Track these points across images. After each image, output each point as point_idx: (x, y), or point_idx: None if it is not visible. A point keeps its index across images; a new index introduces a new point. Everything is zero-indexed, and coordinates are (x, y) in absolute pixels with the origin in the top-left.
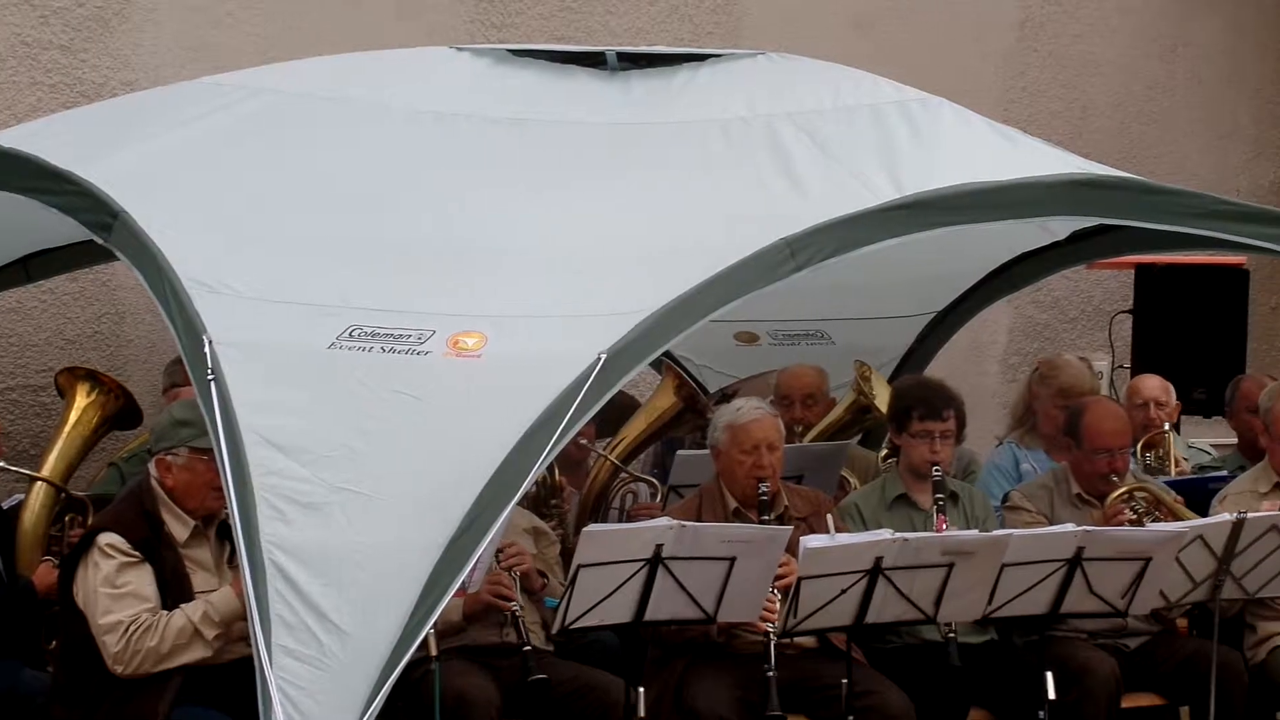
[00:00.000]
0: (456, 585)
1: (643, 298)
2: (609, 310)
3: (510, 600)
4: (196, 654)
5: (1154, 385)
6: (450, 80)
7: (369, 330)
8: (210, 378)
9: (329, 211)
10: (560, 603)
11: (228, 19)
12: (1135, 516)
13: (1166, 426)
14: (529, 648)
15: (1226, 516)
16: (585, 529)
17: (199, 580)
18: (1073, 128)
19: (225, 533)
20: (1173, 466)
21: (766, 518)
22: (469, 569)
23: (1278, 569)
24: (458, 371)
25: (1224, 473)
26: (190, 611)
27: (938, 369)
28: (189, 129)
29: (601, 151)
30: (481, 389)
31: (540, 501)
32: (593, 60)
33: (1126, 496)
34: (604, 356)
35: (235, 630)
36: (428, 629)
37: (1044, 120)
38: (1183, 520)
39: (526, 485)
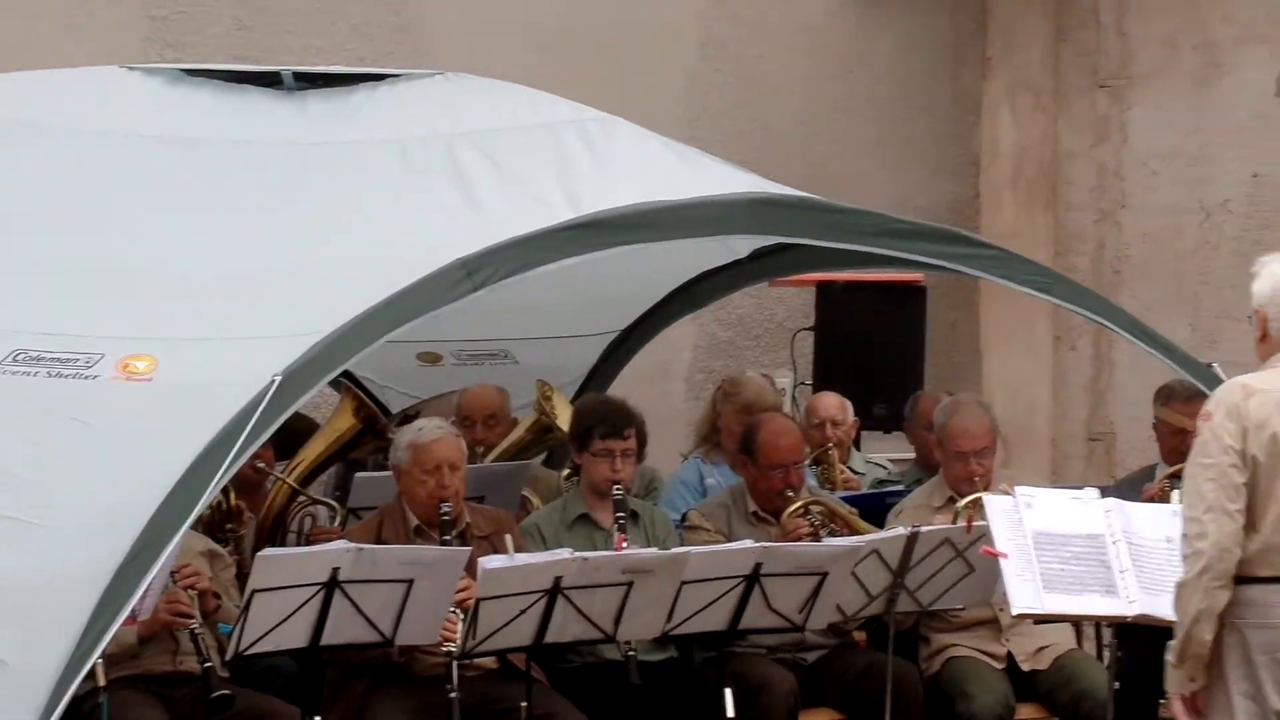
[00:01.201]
0: (126, 612)
1: (319, 319)
2: (284, 332)
3: (190, 617)
4: None
5: (830, 403)
6: (122, 101)
7: (34, 354)
8: None
9: None
10: (234, 628)
11: None
12: (812, 529)
13: (831, 445)
14: (209, 664)
15: (901, 530)
16: (260, 553)
17: None
18: (755, 147)
19: None
20: (838, 482)
21: (448, 537)
22: (139, 595)
23: (951, 582)
24: (128, 395)
25: (901, 487)
26: None
27: (621, 388)
28: None
29: (277, 172)
30: (153, 413)
31: (216, 525)
32: (269, 80)
33: (802, 510)
34: (278, 378)
35: None
36: (95, 658)
37: (727, 140)
38: (858, 532)
39: (199, 509)
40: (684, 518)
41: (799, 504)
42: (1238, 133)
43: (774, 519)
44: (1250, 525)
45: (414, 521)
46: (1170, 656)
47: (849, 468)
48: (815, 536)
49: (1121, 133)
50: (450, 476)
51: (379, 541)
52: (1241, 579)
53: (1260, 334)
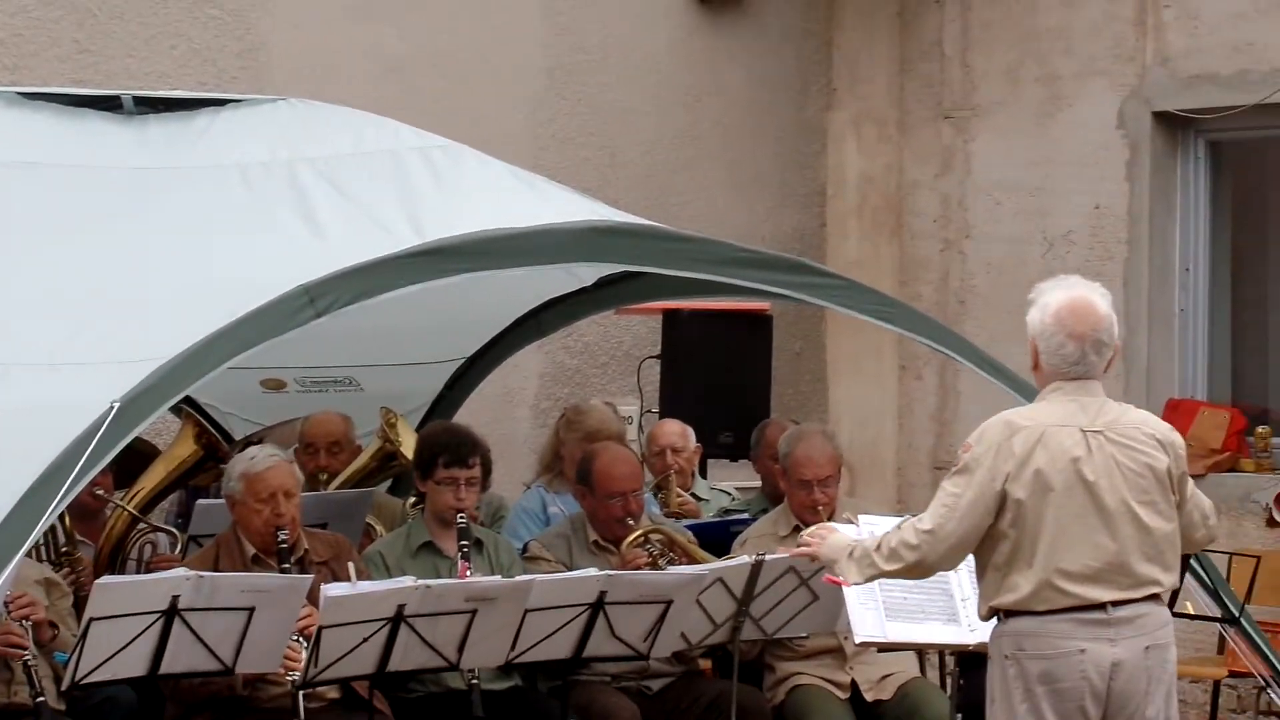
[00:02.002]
0: None
1: (159, 345)
2: (124, 358)
3: (23, 650)
4: None
5: (671, 431)
6: None
7: None
8: None
9: None
10: (71, 656)
11: None
12: (651, 559)
13: (673, 472)
14: (41, 699)
15: (746, 559)
16: (98, 581)
17: None
18: (602, 175)
19: None
20: (674, 506)
21: (286, 564)
22: None
23: (795, 610)
24: None
25: (746, 515)
26: None
27: (467, 415)
28: None
29: (117, 196)
30: None
31: (54, 553)
32: (109, 104)
33: (642, 539)
34: (116, 405)
35: None
36: None
37: (574, 167)
38: (697, 561)
39: (34, 537)
40: (525, 548)
41: (638, 533)
42: (1080, 164)
43: (615, 548)
44: (1024, 562)
45: (251, 551)
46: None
47: (694, 494)
48: (655, 565)
49: (965, 163)
50: (285, 504)
51: (215, 571)
52: (1016, 612)
53: (1033, 364)
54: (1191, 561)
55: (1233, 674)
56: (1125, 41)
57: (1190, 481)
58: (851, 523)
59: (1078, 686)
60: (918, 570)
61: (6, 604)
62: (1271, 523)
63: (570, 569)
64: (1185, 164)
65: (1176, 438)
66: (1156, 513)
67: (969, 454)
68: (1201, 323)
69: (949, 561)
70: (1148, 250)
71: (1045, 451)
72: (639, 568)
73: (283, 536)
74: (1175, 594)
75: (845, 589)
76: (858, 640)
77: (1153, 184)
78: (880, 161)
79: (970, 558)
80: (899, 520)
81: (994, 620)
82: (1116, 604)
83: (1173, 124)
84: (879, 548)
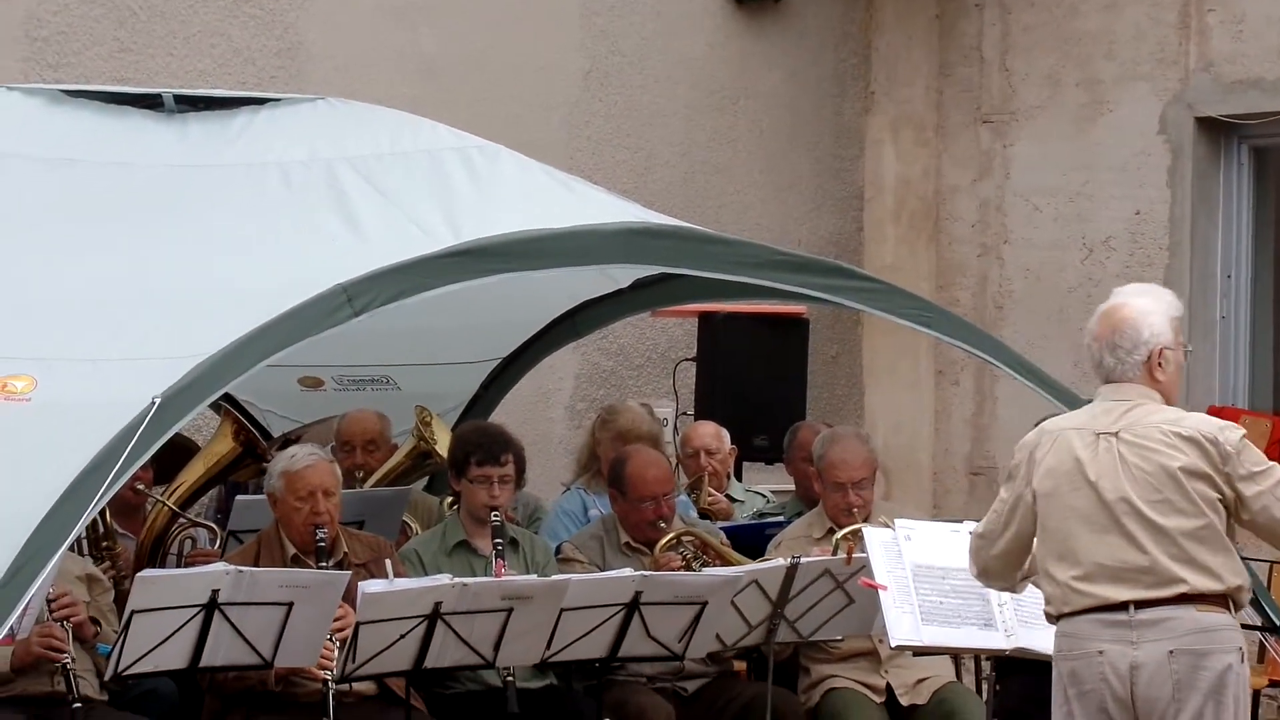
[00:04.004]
0: (4, 632)
1: (199, 342)
2: (165, 354)
3: (63, 652)
4: None
5: (706, 433)
6: (1, 121)
7: None
8: None
9: None
10: (113, 649)
11: None
12: (684, 562)
13: (707, 473)
14: (78, 705)
15: (781, 561)
16: (140, 574)
17: None
18: (638, 177)
19: None
20: (705, 505)
21: (325, 564)
22: (17, 615)
23: (830, 613)
24: (6, 415)
25: (781, 518)
26: None
27: (503, 415)
28: None
29: (157, 193)
30: (31, 433)
31: (94, 547)
32: (149, 102)
33: (674, 542)
34: (158, 400)
35: None
36: None
37: (609, 169)
38: (730, 563)
39: (76, 532)
40: (558, 550)
41: (671, 536)
42: (1121, 170)
43: (647, 549)
44: (1050, 564)
45: (291, 550)
46: None
47: (728, 496)
48: (688, 568)
49: (1004, 168)
50: (324, 502)
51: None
52: (1060, 615)
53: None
54: None
55: (1273, 683)
56: (1168, 45)
57: (1266, 478)
58: (888, 526)
59: (1098, 689)
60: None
61: (49, 602)
62: None
63: (603, 570)
64: (1228, 170)
65: (1224, 434)
66: (1175, 511)
67: (1012, 460)
68: (1243, 330)
69: (1002, 564)
70: (1189, 257)
71: (1055, 454)
72: (673, 570)
73: (321, 535)
74: (1228, 597)
75: (881, 592)
76: (893, 644)
77: (1195, 190)
78: (918, 166)
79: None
80: (936, 525)
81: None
82: (1141, 605)
83: (1215, 129)
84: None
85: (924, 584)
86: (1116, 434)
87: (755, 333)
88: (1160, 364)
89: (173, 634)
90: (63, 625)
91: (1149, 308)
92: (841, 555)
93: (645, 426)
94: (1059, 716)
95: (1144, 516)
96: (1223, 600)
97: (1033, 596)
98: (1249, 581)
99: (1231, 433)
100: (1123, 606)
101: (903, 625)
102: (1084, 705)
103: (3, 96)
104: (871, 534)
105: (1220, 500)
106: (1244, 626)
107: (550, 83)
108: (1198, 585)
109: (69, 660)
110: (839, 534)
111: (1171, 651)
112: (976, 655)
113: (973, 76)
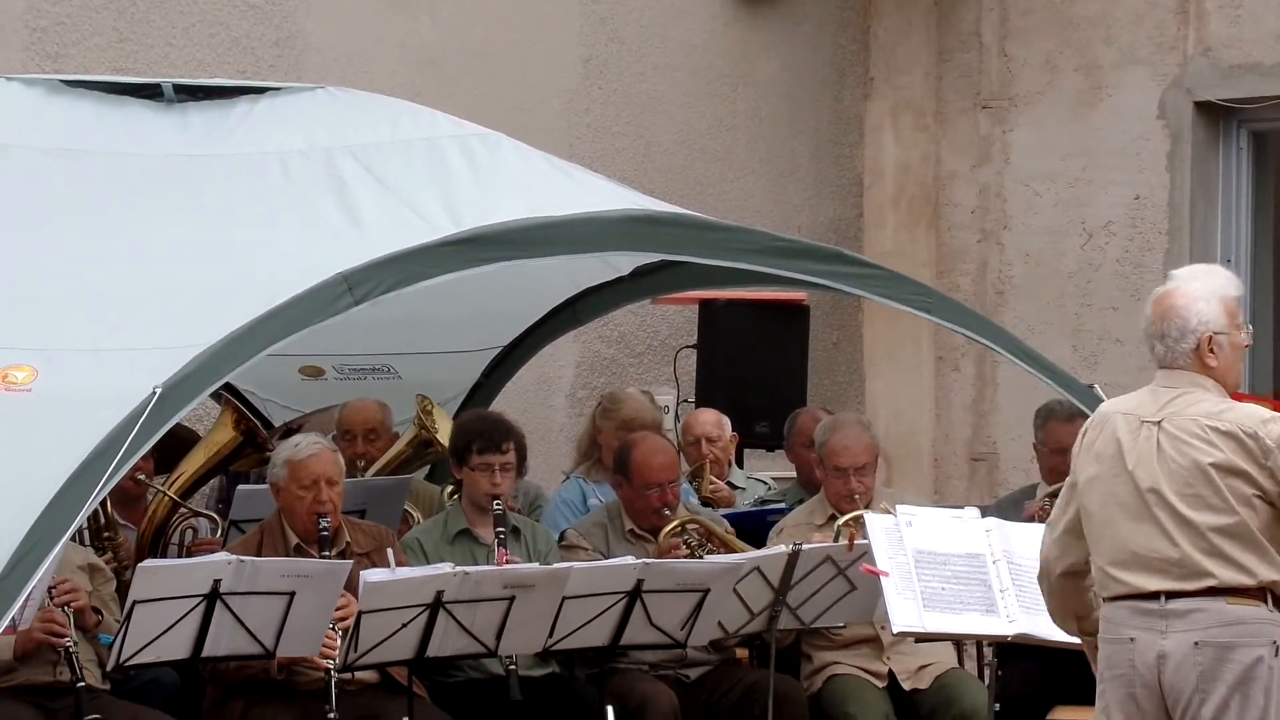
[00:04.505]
0: (5, 622)
1: (199, 331)
2: (165, 344)
3: (64, 637)
4: None
5: (706, 421)
6: (0, 111)
7: None
8: None
9: None
10: (115, 639)
11: None
12: (689, 550)
13: (708, 461)
14: (82, 684)
15: (782, 548)
16: (141, 564)
17: None
18: (637, 165)
19: None
20: (706, 492)
21: (327, 553)
22: (19, 605)
23: (832, 600)
24: (6, 405)
25: (783, 504)
26: None
27: (503, 404)
28: None
29: (157, 183)
30: (32, 423)
31: (95, 537)
32: (149, 91)
33: (679, 530)
34: (159, 390)
35: None
36: None
37: (609, 157)
38: (734, 551)
39: (78, 522)
40: (562, 536)
41: (675, 523)
42: (1120, 155)
43: (652, 537)
44: (1093, 549)
45: (293, 540)
46: None
47: (729, 483)
48: (692, 555)
49: (1003, 154)
50: (328, 491)
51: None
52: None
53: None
54: None
55: None
56: (1166, 30)
57: None
58: (889, 513)
59: (1126, 674)
60: (1041, 572)
61: (50, 590)
62: None
63: (607, 557)
64: (1227, 154)
65: (1266, 428)
66: (1205, 506)
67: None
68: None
69: (1061, 548)
70: (1188, 241)
71: (1102, 439)
72: (677, 558)
73: (324, 524)
74: (1267, 590)
75: (883, 579)
76: (896, 630)
77: (1194, 174)
78: (917, 152)
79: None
80: (937, 511)
81: None
82: (1172, 595)
83: (1214, 114)
84: None
85: (926, 570)
86: (1159, 423)
87: (756, 320)
88: (1213, 350)
89: (175, 624)
90: (64, 610)
91: (1198, 293)
92: (843, 542)
93: (649, 415)
94: (1098, 695)
95: (1173, 509)
96: (1259, 594)
97: (1033, 582)
98: None
99: (1275, 425)
100: (1154, 596)
101: (905, 611)
102: (1114, 688)
103: (2, 87)
104: (873, 520)
105: (1259, 496)
106: None
107: (550, 71)
108: (1226, 579)
109: (71, 645)
110: (840, 520)
111: (1197, 643)
112: (978, 641)
113: (972, 62)
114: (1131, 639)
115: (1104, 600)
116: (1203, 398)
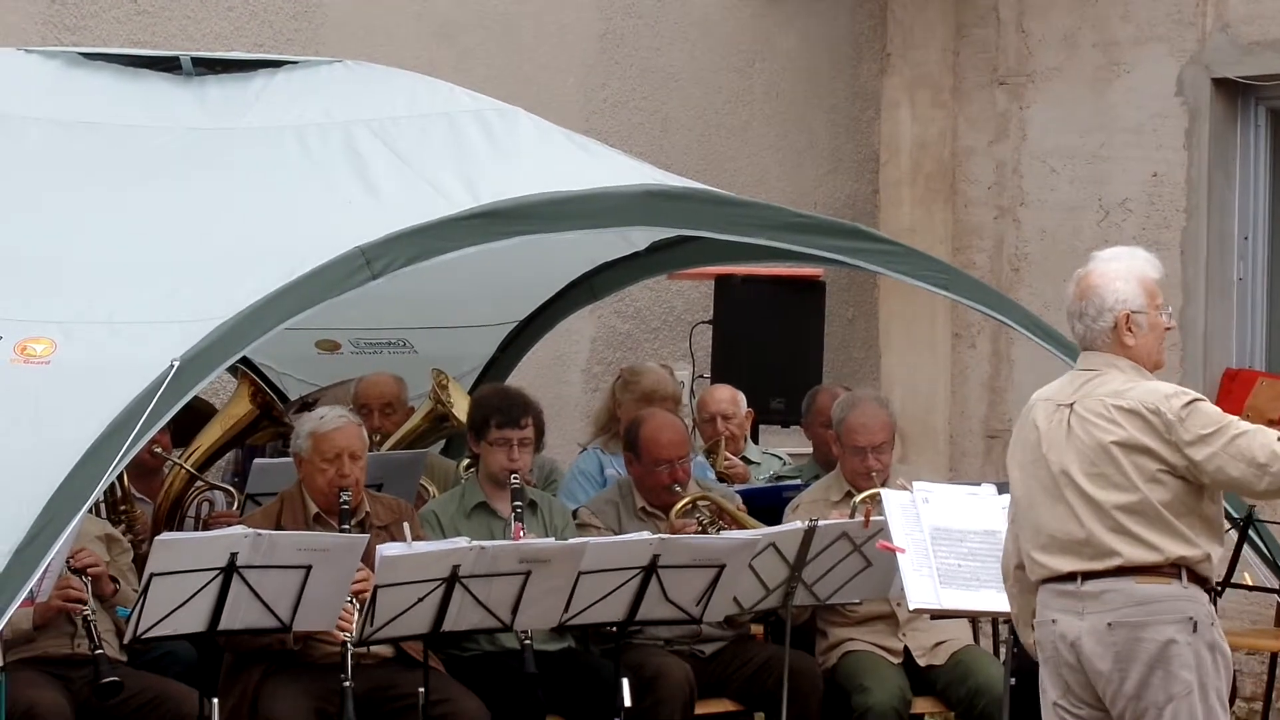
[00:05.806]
0: (24, 594)
1: (217, 304)
2: (183, 317)
3: (83, 603)
4: None
5: (721, 397)
6: (19, 83)
7: None
8: None
9: None
10: (132, 611)
11: None
12: (700, 527)
13: (724, 437)
14: (100, 650)
15: (798, 524)
16: (158, 537)
17: None
18: (654, 139)
19: None
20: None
21: (347, 526)
22: (37, 577)
23: (848, 576)
24: (26, 377)
25: (799, 481)
26: None
27: (519, 379)
28: None
29: (175, 156)
30: (51, 395)
31: (112, 510)
32: (167, 65)
33: (690, 507)
34: (176, 363)
35: None
36: None
37: (626, 132)
38: (746, 527)
39: (96, 494)
40: (574, 515)
41: (686, 500)
42: (1137, 132)
43: (663, 514)
44: (1033, 529)
45: (313, 509)
46: None
47: (744, 458)
48: (704, 532)
49: (1020, 130)
50: (350, 465)
51: (278, 528)
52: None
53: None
54: (1250, 532)
55: None
56: (1184, 6)
57: (1217, 438)
58: (905, 489)
59: (1053, 657)
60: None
61: (68, 560)
62: None
63: (619, 535)
64: (1245, 131)
65: (1168, 402)
66: (1110, 485)
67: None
68: (1260, 292)
69: (1011, 543)
70: (1206, 218)
71: (1023, 426)
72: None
73: (345, 498)
74: (1180, 568)
75: (899, 555)
76: (911, 607)
77: (1212, 151)
78: (934, 128)
79: None
80: (954, 488)
81: None
82: (1087, 576)
83: (1232, 91)
84: None
85: (942, 547)
86: (1071, 405)
87: (772, 295)
88: (1130, 329)
89: (191, 597)
90: (81, 577)
91: (1117, 272)
92: (859, 518)
93: (669, 388)
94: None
95: (1080, 489)
96: (1171, 571)
97: None
98: (1209, 551)
99: (1176, 399)
100: (1071, 577)
101: (921, 588)
102: (1048, 670)
103: (21, 59)
104: (890, 497)
105: (1167, 471)
106: (1260, 589)
107: (566, 45)
108: (1133, 558)
109: (89, 612)
110: (858, 498)
111: (1110, 624)
112: (994, 618)
113: (989, 38)
114: (1054, 620)
115: (1037, 586)
116: (1114, 378)
